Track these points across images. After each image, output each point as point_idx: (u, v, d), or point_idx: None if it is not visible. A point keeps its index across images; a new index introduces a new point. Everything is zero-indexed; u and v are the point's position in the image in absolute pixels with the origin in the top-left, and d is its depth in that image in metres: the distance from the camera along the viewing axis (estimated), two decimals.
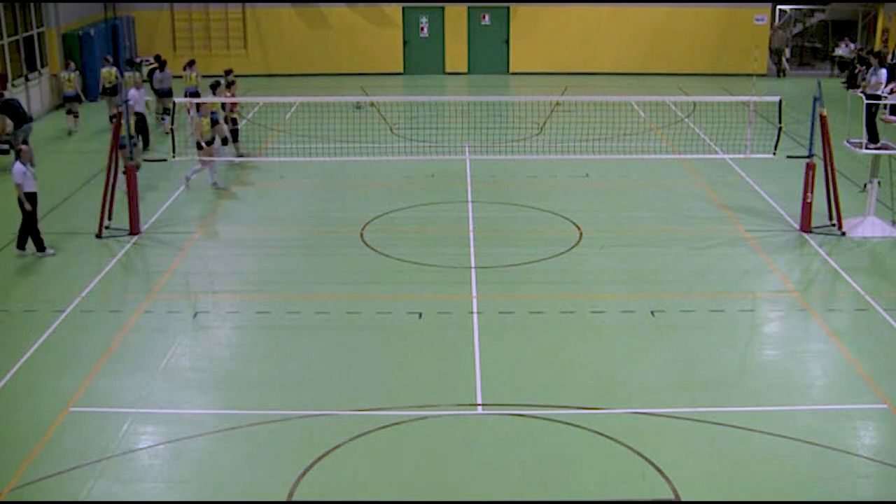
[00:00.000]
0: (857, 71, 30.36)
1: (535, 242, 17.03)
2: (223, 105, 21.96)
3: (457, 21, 35.10)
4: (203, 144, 19.90)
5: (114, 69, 26.25)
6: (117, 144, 17.55)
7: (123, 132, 17.49)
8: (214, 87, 22.09)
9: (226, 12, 34.38)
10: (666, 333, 13.49)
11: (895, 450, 10.59)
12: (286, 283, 15.48)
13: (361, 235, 17.44)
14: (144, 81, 25.35)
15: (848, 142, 17.89)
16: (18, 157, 16.10)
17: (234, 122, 22.40)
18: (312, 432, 10.91)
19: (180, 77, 26.44)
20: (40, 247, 16.28)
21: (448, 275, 15.65)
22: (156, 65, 26.80)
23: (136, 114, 22.31)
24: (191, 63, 26.00)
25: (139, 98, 22.68)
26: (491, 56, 35.29)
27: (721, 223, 18.15)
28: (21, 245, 16.26)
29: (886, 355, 12.86)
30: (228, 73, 24.30)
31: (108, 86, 25.96)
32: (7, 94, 23.83)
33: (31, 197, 16.05)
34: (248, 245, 17.15)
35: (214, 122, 21.25)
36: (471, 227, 17.81)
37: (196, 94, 24.15)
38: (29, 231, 16.21)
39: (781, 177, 20.44)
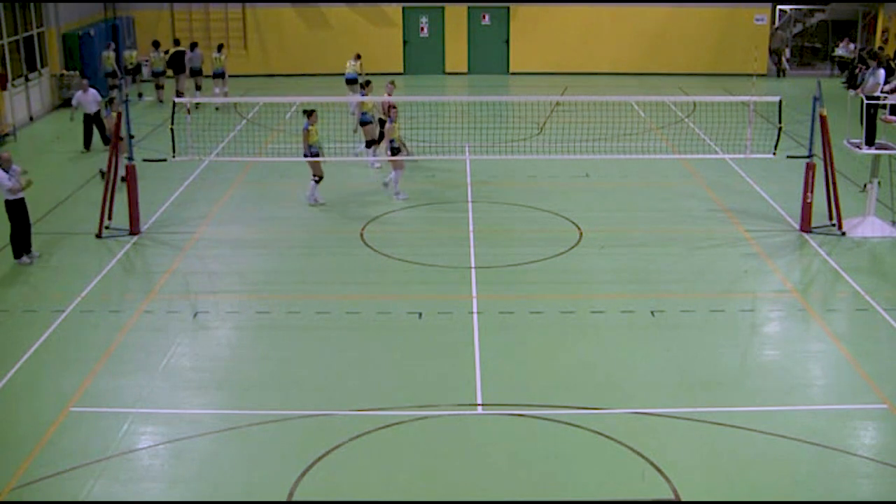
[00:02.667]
0: (857, 71, 30.36)
1: (535, 242, 17.03)
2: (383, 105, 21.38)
3: (457, 21, 35.09)
4: (401, 147, 19.74)
5: (112, 53, 29.42)
6: (117, 143, 17.56)
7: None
8: (365, 86, 21.54)
9: (226, 12, 34.37)
10: (666, 333, 13.49)
11: (895, 450, 10.60)
12: (286, 283, 15.48)
13: (361, 235, 17.44)
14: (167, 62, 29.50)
15: (848, 142, 17.89)
16: None
17: (383, 123, 21.34)
18: (312, 432, 10.92)
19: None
20: (18, 253, 15.97)
21: (448, 275, 15.65)
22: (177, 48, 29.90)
23: (86, 115, 23.54)
24: (220, 47, 29.21)
25: (88, 100, 23.45)
26: (491, 56, 35.29)
27: (721, 223, 18.15)
28: (18, 254, 16.03)
29: (886, 355, 12.87)
30: (358, 57, 27.66)
31: (111, 69, 29.11)
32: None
33: (12, 205, 15.71)
34: (248, 245, 17.15)
35: (365, 123, 21.12)
36: (471, 227, 17.81)
37: (222, 75, 28.62)
38: (12, 236, 15.93)
39: (781, 177, 20.44)
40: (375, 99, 21.38)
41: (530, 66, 35.02)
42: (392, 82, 22.21)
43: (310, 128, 18.73)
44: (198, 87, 29.40)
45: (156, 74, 29.67)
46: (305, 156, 18.97)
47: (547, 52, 34.93)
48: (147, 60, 30.84)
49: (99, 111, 23.47)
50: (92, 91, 23.66)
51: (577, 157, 20.85)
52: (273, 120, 26.60)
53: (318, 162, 19.03)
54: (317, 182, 19.14)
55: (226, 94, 28.48)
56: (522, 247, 16.80)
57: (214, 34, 34.10)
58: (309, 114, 18.80)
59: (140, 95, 29.76)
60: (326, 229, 17.97)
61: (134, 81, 30.92)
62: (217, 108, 27.47)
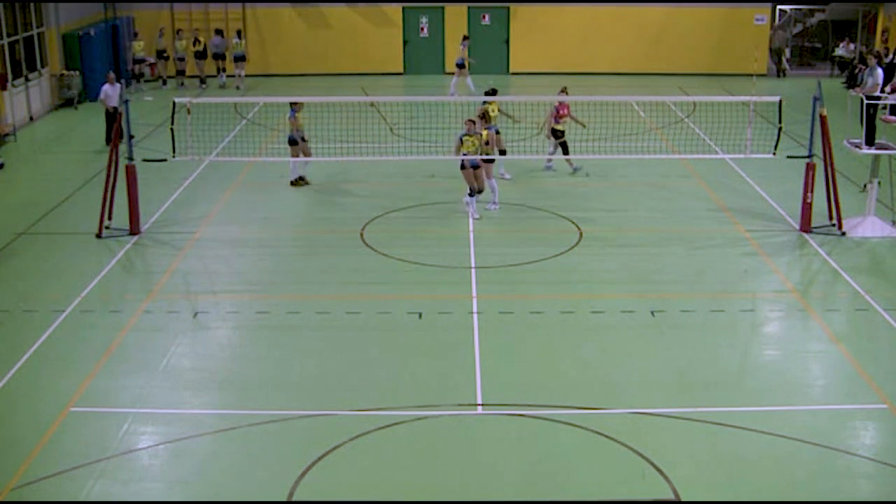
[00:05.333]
0: (857, 71, 30.35)
1: (535, 242, 17.03)
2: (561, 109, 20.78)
3: (457, 21, 35.08)
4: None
5: (142, 42, 32.81)
6: (117, 143, 17.55)
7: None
8: (492, 93, 20.61)
9: (226, 12, 34.37)
10: (666, 333, 13.49)
11: (895, 450, 10.60)
12: (286, 283, 15.48)
13: (361, 235, 17.44)
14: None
15: (848, 142, 17.89)
16: None
17: (558, 133, 20.85)
18: (312, 432, 10.92)
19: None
20: None
21: (448, 275, 15.65)
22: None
23: (109, 108, 23.80)
24: (238, 33, 32.80)
25: (114, 94, 23.50)
26: (491, 56, 35.27)
27: (721, 223, 18.15)
28: None
29: (886, 355, 12.87)
30: (465, 38, 31.41)
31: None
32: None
33: None
34: (248, 245, 17.15)
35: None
36: (471, 228, 17.81)
37: (242, 59, 32.41)
38: None
39: (781, 177, 20.45)
40: (540, 98, 22.16)
41: (530, 66, 35.01)
42: (564, 88, 21.80)
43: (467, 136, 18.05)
44: (221, 70, 32.97)
45: (178, 59, 32.83)
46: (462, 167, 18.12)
47: (547, 52, 34.92)
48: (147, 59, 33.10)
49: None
50: (118, 85, 23.74)
51: (578, 157, 20.85)
52: (273, 120, 26.60)
53: (469, 174, 18.10)
54: (471, 195, 18.25)
55: (243, 76, 32.56)
56: (522, 247, 16.80)
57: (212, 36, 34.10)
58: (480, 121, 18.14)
59: (164, 81, 33.03)
60: (326, 229, 17.97)
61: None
62: (234, 87, 32.24)
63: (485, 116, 18.73)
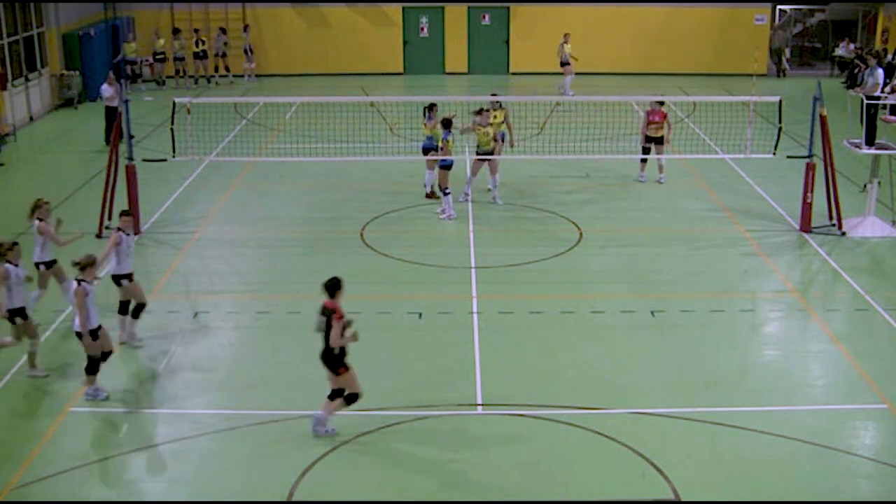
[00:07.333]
0: (857, 71, 30.37)
1: (535, 242, 17.04)
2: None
3: (457, 21, 35.08)
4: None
5: (134, 44, 32.43)
6: (117, 143, 17.56)
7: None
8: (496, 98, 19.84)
9: (226, 12, 34.36)
10: (666, 333, 13.49)
11: (895, 450, 10.60)
12: (286, 283, 15.48)
13: (361, 235, 17.44)
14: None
15: (848, 142, 17.89)
16: None
17: (648, 139, 20.25)
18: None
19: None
20: None
21: (448, 275, 15.65)
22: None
23: (108, 108, 23.79)
24: (246, 27, 33.58)
25: (113, 93, 23.66)
26: (491, 56, 35.27)
27: (721, 223, 18.15)
28: None
29: (886, 355, 12.87)
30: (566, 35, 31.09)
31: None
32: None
33: None
34: (248, 245, 17.14)
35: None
36: (471, 227, 17.81)
37: (251, 51, 33.20)
38: None
39: (781, 177, 20.45)
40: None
41: (530, 66, 34.99)
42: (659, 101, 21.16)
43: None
44: (227, 69, 33.40)
45: (177, 59, 32.66)
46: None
47: (547, 52, 34.82)
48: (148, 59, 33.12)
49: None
50: (118, 85, 23.75)
51: (577, 157, 20.86)
52: (273, 120, 26.61)
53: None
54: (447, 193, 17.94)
55: (253, 69, 33.39)
56: (522, 247, 16.80)
57: (214, 34, 34.06)
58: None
59: (163, 82, 32.61)
60: (326, 229, 17.97)
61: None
62: (246, 80, 33.16)
63: (446, 121, 18.19)
